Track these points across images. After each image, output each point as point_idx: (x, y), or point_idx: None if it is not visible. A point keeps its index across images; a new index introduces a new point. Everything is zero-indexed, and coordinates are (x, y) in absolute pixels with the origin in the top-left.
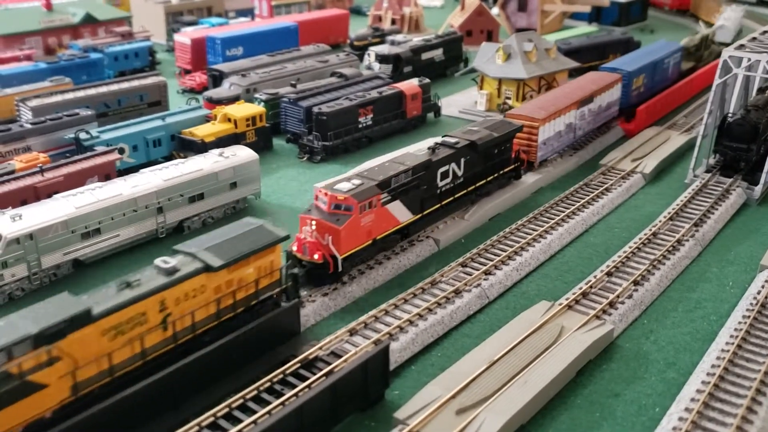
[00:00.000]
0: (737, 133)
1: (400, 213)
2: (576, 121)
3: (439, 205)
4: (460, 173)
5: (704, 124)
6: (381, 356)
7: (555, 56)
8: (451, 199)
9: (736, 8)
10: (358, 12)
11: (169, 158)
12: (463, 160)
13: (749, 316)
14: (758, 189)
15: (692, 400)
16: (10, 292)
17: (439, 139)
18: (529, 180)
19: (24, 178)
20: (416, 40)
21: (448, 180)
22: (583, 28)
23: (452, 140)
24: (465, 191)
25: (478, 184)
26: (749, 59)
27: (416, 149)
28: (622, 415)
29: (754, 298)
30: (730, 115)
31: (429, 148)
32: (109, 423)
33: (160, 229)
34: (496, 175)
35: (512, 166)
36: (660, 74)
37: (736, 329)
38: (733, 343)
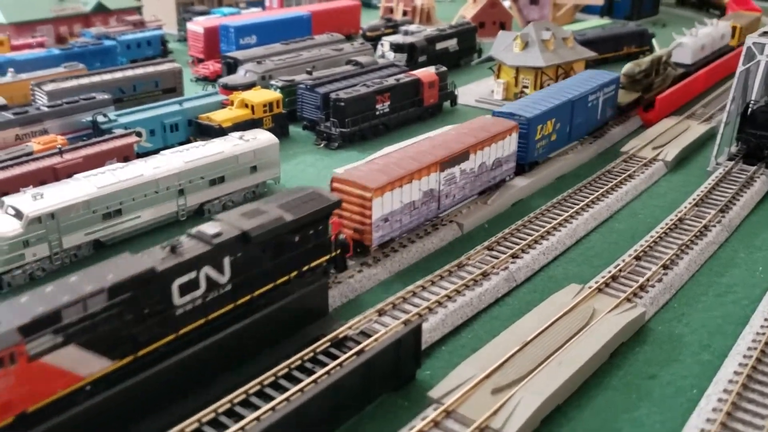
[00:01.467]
0: (761, 121)
1: (83, 363)
2: (442, 187)
3: (175, 336)
4: (224, 280)
5: (727, 111)
6: (413, 335)
7: (572, 45)
8: (206, 321)
9: (706, 26)
10: (368, 5)
11: (185, 143)
12: (228, 261)
13: None
14: None
15: (730, 381)
16: (31, 271)
17: (193, 231)
18: (551, 167)
19: (43, 159)
20: (430, 30)
21: (198, 294)
22: (595, 21)
23: (212, 230)
24: (235, 305)
25: (261, 291)
26: None
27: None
28: (659, 396)
29: None
30: (752, 102)
31: (169, 247)
32: (143, 397)
33: (181, 211)
34: (297, 272)
35: (328, 257)
36: (583, 115)
37: None
38: None
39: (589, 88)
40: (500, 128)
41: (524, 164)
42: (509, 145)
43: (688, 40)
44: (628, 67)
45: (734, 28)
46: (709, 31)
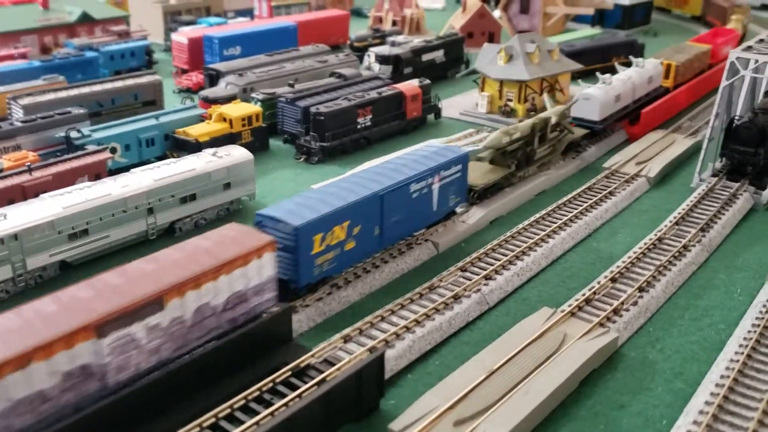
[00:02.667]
0: (744, 137)
1: None
2: (106, 359)
3: None
4: None
5: (711, 127)
6: (376, 364)
7: (558, 58)
8: None
9: (630, 68)
10: (358, 14)
11: (162, 158)
12: None
13: (759, 325)
14: (766, 194)
15: (701, 412)
16: None
17: None
18: (532, 183)
19: (11, 177)
20: (417, 41)
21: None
22: (586, 31)
23: None
24: None
25: None
26: (756, 61)
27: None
28: (628, 427)
29: (764, 305)
30: (737, 118)
31: None
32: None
33: (151, 230)
34: None
35: None
36: (404, 210)
37: (745, 338)
38: (742, 353)
39: (414, 173)
40: (244, 248)
41: (300, 288)
42: (261, 269)
43: (595, 92)
44: (494, 136)
45: (668, 67)
46: (629, 76)
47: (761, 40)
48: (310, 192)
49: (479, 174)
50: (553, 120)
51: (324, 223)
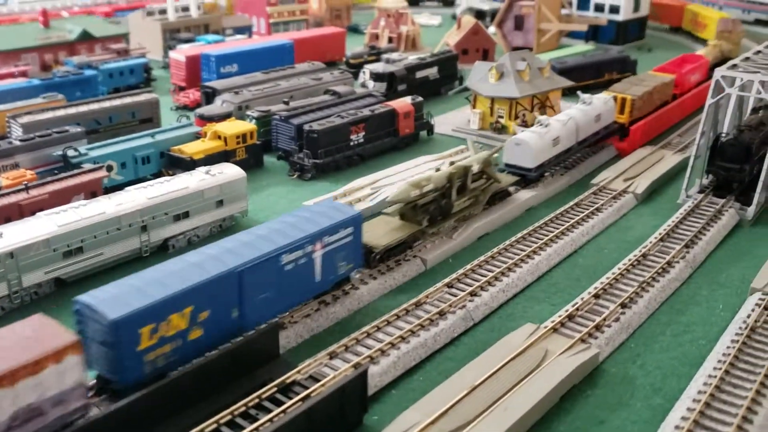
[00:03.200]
0: (730, 153)
1: None
2: None
3: None
4: None
5: (696, 146)
6: (359, 381)
7: (549, 75)
8: None
9: (579, 104)
10: (355, 30)
11: (158, 175)
12: None
13: (738, 341)
14: (751, 210)
15: (676, 427)
16: None
17: None
18: (521, 199)
19: (8, 196)
20: (411, 58)
21: None
22: (580, 47)
23: None
24: None
25: None
26: (742, 79)
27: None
28: None
29: (744, 321)
30: (723, 135)
31: None
32: None
33: (144, 247)
34: None
35: None
36: (275, 285)
37: (724, 354)
38: (720, 369)
39: (287, 242)
40: (27, 355)
41: (121, 386)
42: (62, 375)
43: (528, 137)
44: (401, 189)
45: (623, 101)
46: (570, 117)
47: (746, 59)
48: (150, 271)
49: (384, 232)
50: (475, 168)
51: (154, 313)
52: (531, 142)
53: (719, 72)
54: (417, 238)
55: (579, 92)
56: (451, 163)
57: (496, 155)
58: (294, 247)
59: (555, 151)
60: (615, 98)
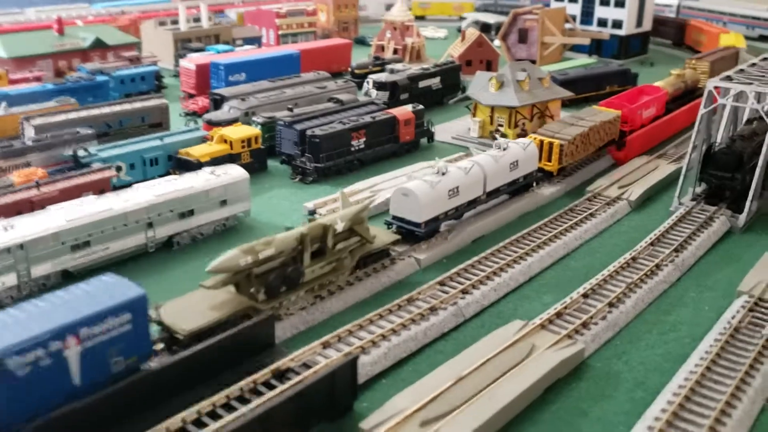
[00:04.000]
0: (722, 162)
1: None
2: None
3: None
4: None
5: (688, 158)
6: (349, 367)
7: (548, 85)
8: None
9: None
10: (362, 42)
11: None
12: None
13: (721, 340)
14: (742, 217)
15: (656, 419)
16: None
17: None
18: (515, 204)
19: (21, 192)
20: (414, 68)
21: None
22: (581, 60)
23: None
24: None
25: None
26: (735, 90)
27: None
28: None
29: (728, 322)
30: (716, 144)
31: None
32: (80, 427)
33: (150, 243)
34: None
35: None
36: (7, 395)
37: (707, 351)
38: (701, 365)
39: (16, 341)
40: None
41: None
42: None
43: (417, 187)
44: (229, 255)
45: (549, 146)
46: (474, 163)
47: (741, 70)
48: None
49: (199, 309)
50: (340, 226)
51: None
52: (419, 193)
53: (711, 83)
54: (248, 315)
55: (496, 135)
56: (310, 219)
57: (365, 213)
58: (27, 347)
59: (452, 204)
60: (542, 142)
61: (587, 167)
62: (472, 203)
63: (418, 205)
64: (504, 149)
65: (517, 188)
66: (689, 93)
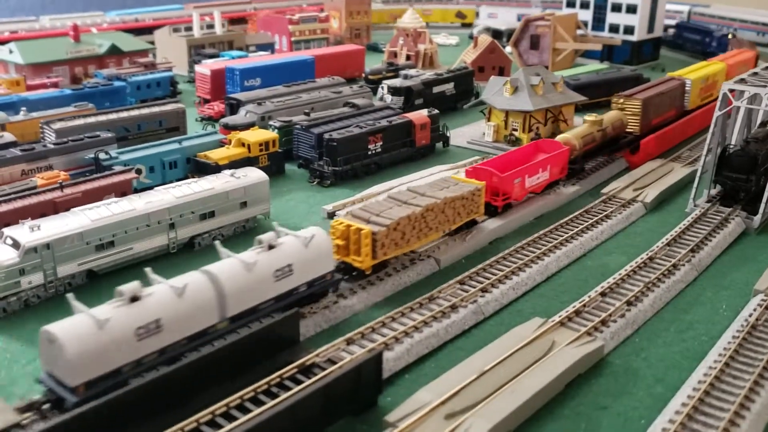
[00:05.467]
0: (737, 164)
1: None
2: None
3: None
4: None
5: (703, 161)
6: (374, 362)
7: (562, 90)
8: None
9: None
10: (375, 48)
11: (184, 180)
12: None
13: (739, 337)
14: (757, 219)
15: (676, 412)
16: (26, 298)
17: None
18: (531, 206)
19: (44, 194)
20: (428, 74)
21: None
22: (592, 66)
23: None
24: None
25: None
26: (749, 92)
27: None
28: (608, 426)
29: (746, 320)
30: (730, 146)
31: None
32: (111, 419)
33: (172, 244)
34: None
35: None
36: None
37: (725, 348)
38: (721, 361)
39: None
40: None
41: None
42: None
43: (70, 329)
44: None
45: (357, 237)
46: (195, 283)
47: (755, 73)
48: None
49: None
50: None
51: None
52: (67, 343)
53: (726, 86)
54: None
55: (276, 228)
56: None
57: None
58: None
59: (148, 348)
60: (348, 229)
61: (600, 171)
62: (197, 336)
63: (67, 359)
64: (270, 247)
65: (300, 299)
66: (611, 142)
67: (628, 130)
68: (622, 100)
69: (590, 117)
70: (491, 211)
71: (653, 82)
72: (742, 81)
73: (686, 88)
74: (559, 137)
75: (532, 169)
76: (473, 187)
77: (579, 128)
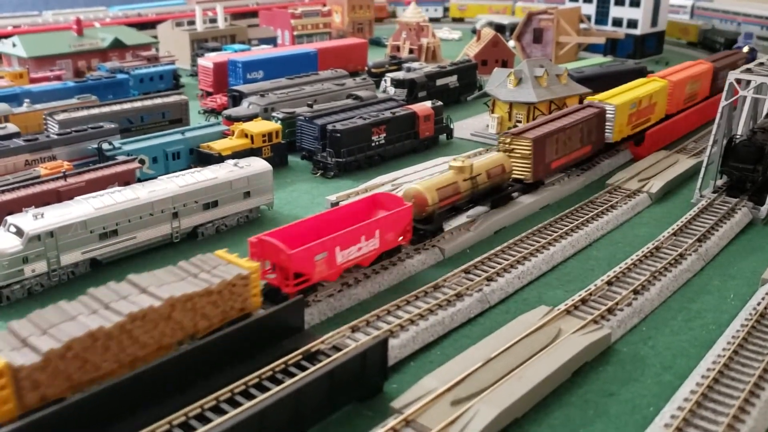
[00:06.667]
0: (743, 154)
1: None
2: None
3: None
4: None
5: (709, 151)
6: (379, 348)
7: (566, 82)
8: None
9: None
10: (377, 43)
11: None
12: None
13: (747, 325)
14: (764, 209)
15: (685, 399)
16: (29, 287)
17: None
18: (536, 197)
19: (48, 183)
20: (431, 66)
21: None
22: (596, 59)
23: None
24: None
25: None
26: (755, 82)
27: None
28: (616, 413)
29: (754, 309)
30: (736, 136)
31: None
32: (116, 403)
33: (175, 233)
34: None
35: None
36: None
37: (733, 336)
38: (729, 349)
39: None
40: None
41: None
42: None
43: None
44: None
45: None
46: None
47: (761, 63)
48: None
49: None
50: None
51: None
52: None
53: (732, 75)
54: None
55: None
56: None
57: None
58: None
59: None
60: None
61: (605, 162)
62: None
63: None
64: None
65: None
66: (491, 192)
67: (516, 176)
68: (509, 140)
69: (456, 162)
70: (279, 298)
71: (561, 113)
72: (749, 71)
73: (608, 116)
74: (407, 188)
75: (348, 238)
76: (234, 274)
77: (438, 176)
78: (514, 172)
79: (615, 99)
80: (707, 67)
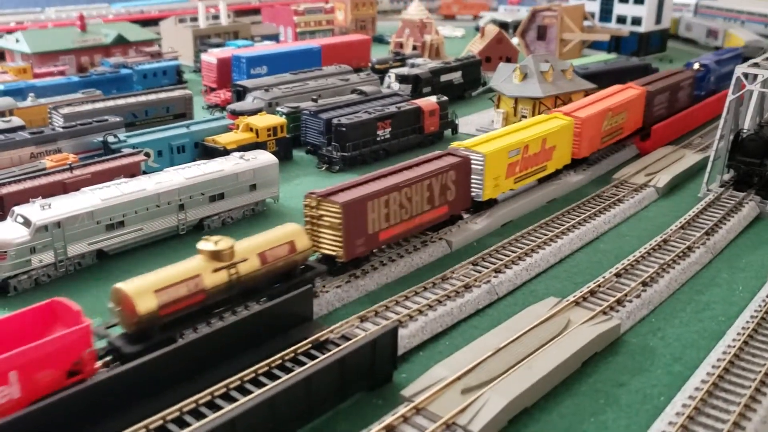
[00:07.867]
0: (750, 149)
1: None
2: None
3: None
4: None
5: (716, 145)
6: (389, 337)
7: (571, 77)
8: None
9: None
10: (380, 40)
11: None
12: None
13: (757, 317)
14: None
15: (696, 389)
16: (36, 277)
17: None
18: (543, 190)
19: (54, 175)
20: (435, 63)
21: None
22: (600, 56)
23: None
24: None
25: None
26: (762, 76)
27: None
28: (627, 402)
29: (763, 300)
30: (744, 130)
31: None
32: (127, 391)
33: (181, 225)
34: None
35: None
36: None
37: (743, 327)
38: (739, 340)
39: None
40: None
41: None
42: None
43: None
44: None
45: None
46: None
47: None
48: None
49: None
50: None
51: None
52: None
53: (740, 69)
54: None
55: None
56: None
57: None
58: None
59: None
60: None
61: (611, 156)
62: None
63: None
64: None
65: None
66: (268, 284)
67: (325, 251)
68: (315, 203)
69: (207, 244)
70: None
71: (406, 164)
72: (755, 65)
73: (474, 167)
74: (117, 286)
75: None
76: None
77: (171, 269)
78: (322, 246)
79: (487, 145)
80: (637, 93)
